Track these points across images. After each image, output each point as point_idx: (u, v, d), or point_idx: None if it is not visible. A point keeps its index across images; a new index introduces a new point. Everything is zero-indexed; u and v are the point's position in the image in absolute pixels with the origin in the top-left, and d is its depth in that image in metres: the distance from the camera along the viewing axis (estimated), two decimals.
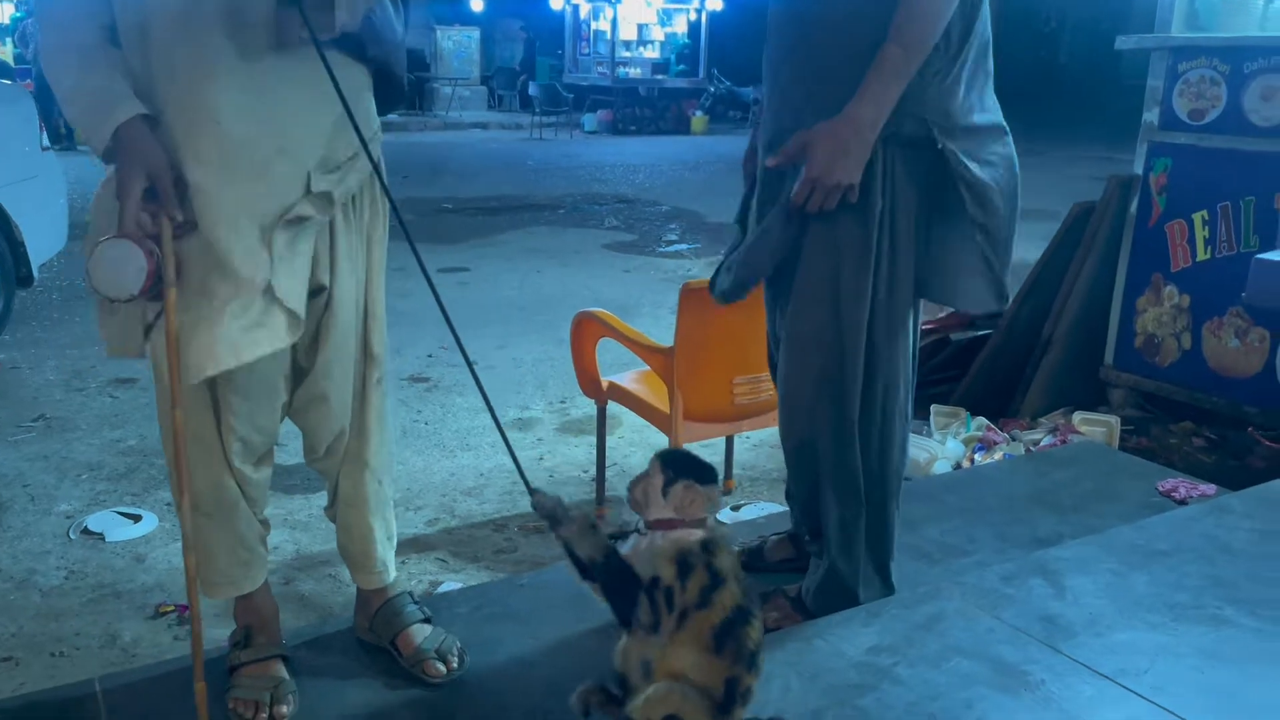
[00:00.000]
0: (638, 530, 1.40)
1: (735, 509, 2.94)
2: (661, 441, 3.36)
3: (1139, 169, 3.34)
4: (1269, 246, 3.04)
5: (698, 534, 1.37)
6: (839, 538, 1.86)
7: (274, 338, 1.51)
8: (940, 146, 1.64)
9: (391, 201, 1.63)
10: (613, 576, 1.38)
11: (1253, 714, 1.56)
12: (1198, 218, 3.22)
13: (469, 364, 1.58)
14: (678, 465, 1.38)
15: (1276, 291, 1.91)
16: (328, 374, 1.65)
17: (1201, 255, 3.23)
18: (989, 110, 1.69)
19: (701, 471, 1.38)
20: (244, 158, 1.46)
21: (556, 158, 12.03)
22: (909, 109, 1.63)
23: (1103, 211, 3.42)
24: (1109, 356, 3.48)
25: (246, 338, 1.47)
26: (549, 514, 1.42)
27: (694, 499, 1.36)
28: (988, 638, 1.77)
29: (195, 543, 1.55)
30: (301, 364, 1.66)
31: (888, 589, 1.91)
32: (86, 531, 2.73)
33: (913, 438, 3.15)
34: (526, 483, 1.50)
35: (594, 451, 3.07)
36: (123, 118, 1.41)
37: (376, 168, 1.60)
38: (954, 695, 1.61)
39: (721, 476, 3.08)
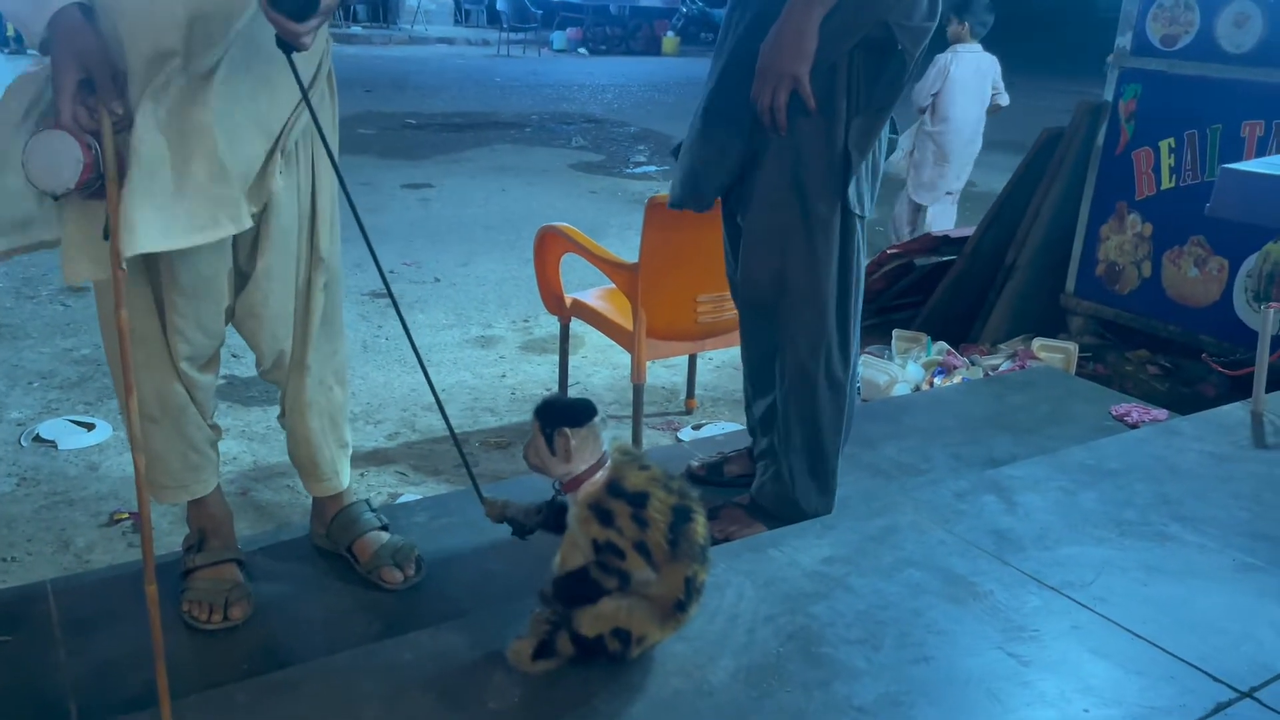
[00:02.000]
0: (556, 492, 1.42)
1: (696, 428, 2.95)
2: (625, 362, 3.37)
3: (1109, 95, 3.32)
4: None
5: (600, 476, 1.38)
6: (785, 440, 1.90)
7: (218, 225, 1.45)
8: (900, 48, 1.67)
9: (322, 136, 1.53)
10: (571, 588, 1.40)
11: (1192, 625, 1.61)
12: (1164, 145, 3.22)
13: (417, 355, 1.54)
14: (550, 417, 1.37)
15: (1240, 202, 1.92)
16: (268, 277, 1.61)
17: (1166, 184, 3.23)
18: (935, 16, 1.73)
19: (574, 413, 1.37)
20: (183, 43, 1.39)
21: (524, 75, 11.77)
22: (877, 15, 1.64)
23: (1070, 138, 3.41)
24: (1070, 284, 3.50)
25: (193, 222, 1.42)
26: (501, 521, 1.48)
27: (579, 443, 1.36)
28: (939, 550, 1.80)
29: (144, 446, 1.52)
30: (243, 268, 1.61)
31: (827, 496, 1.94)
32: (38, 439, 2.69)
33: (874, 360, 3.19)
34: (478, 489, 1.54)
35: (556, 370, 3.05)
36: (57, 5, 1.33)
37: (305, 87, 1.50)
38: (904, 604, 1.64)
39: (684, 396, 3.15)
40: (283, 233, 1.59)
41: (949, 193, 4.48)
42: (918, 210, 4.58)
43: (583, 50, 14.86)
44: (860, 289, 1.87)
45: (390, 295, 1.58)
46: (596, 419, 1.38)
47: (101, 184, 1.36)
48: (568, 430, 1.36)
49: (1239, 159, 3.03)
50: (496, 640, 1.49)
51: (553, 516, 1.45)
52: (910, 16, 1.67)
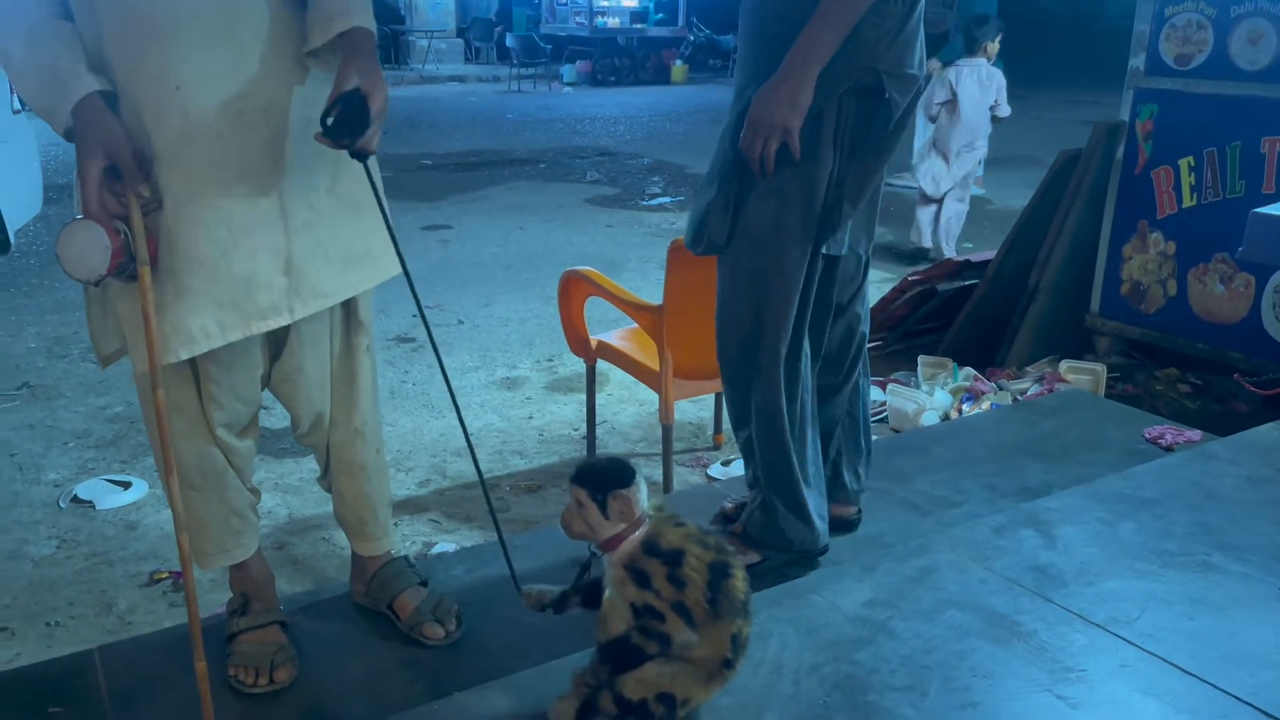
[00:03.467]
0: (594, 554, 1.42)
1: (726, 464, 2.95)
2: (651, 398, 3.38)
3: (1125, 115, 3.32)
4: (1255, 191, 3.03)
5: (636, 536, 1.38)
6: (765, 474, 1.94)
7: (250, 319, 1.48)
8: (887, 96, 1.70)
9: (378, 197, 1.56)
10: (613, 654, 1.40)
11: (1241, 658, 1.59)
12: (1184, 164, 3.21)
13: (442, 367, 1.56)
14: (598, 482, 1.37)
15: (1272, 246, 1.91)
16: (300, 343, 1.62)
17: (1188, 201, 3.22)
18: (924, 66, 1.78)
19: (620, 475, 1.38)
20: (209, 124, 1.40)
21: (535, 110, 11.87)
22: (866, 63, 1.67)
23: (1088, 159, 3.40)
24: (1095, 304, 3.49)
25: (226, 316, 1.45)
26: (542, 609, 1.48)
27: (626, 504, 1.36)
28: (980, 589, 1.79)
29: (186, 517, 1.54)
30: (277, 335, 1.63)
31: (808, 526, 1.96)
32: (76, 500, 2.71)
33: (900, 389, 3.18)
34: (514, 578, 1.55)
35: (583, 409, 3.06)
36: (77, 96, 1.33)
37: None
38: (948, 648, 1.63)
39: (711, 432, 3.15)
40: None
41: (953, 186, 5.11)
42: (929, 209, 5.15)
43: (574, 86, 14.97)
44: (809, 326, 1.89)
45: (431, 339, 1.59)
46: (637, 477, 1.39)
47: (133, 267, 1.37)
48: (624, 492, 1.36)
49: (1260, 176, 3.02)
50: (540, 700, 1.49)
51: (590, 592, 1.45)
52: (900, 66, 1.69)
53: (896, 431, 3.07)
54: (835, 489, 2.12)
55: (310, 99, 1.45)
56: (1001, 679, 1.55)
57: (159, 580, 2.34)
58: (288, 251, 1.48)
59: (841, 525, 2.13)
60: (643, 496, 1.39)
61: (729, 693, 1.48)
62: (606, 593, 1.40)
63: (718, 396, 3.08)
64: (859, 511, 2.18)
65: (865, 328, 2.04)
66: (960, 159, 5.00)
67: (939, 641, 1.65)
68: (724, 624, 1.38)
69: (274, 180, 1.45)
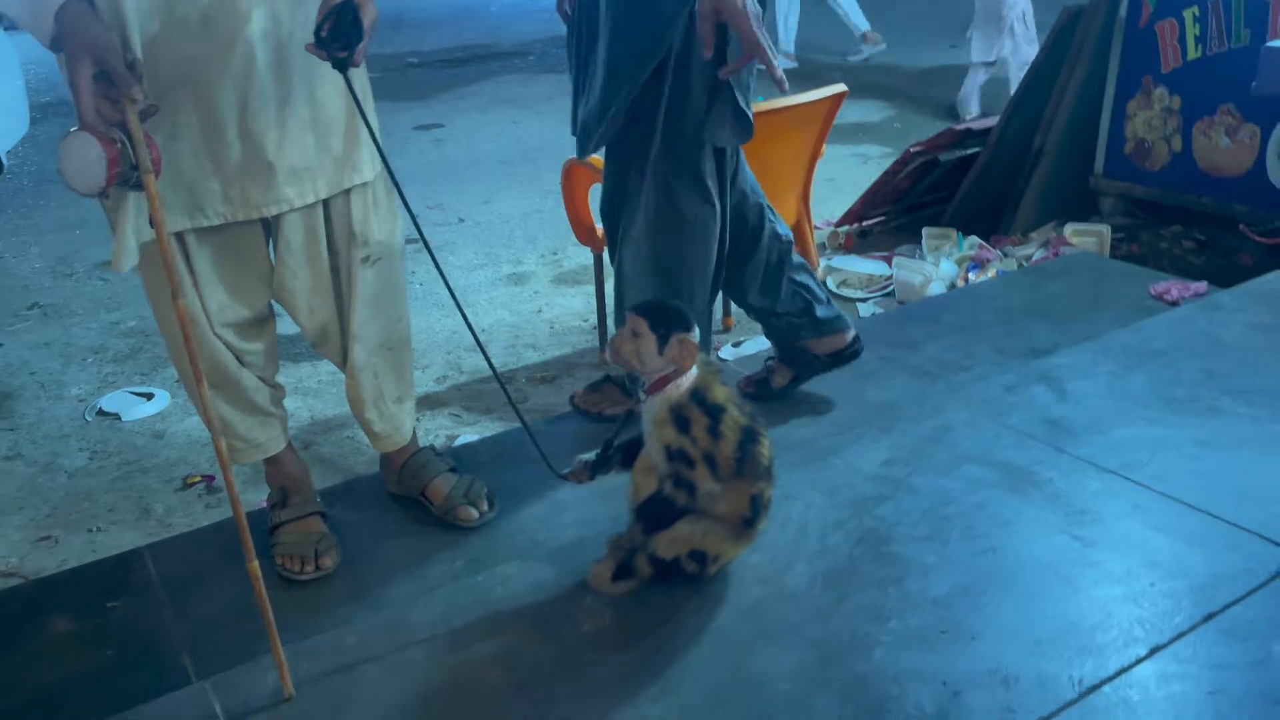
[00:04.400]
0: (637, 401, 1.47)
1: (736, 345, 2.97)
2: None
3: None
4: (1260, 40, 2.98)
5: (685, 383, 1.42)
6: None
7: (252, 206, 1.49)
8: None
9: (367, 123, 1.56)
10: (650, 512, 1.47)
11: (1251, 494, 1.65)
12: (1188, 14, 3.14)
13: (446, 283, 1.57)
14: (661, 318, 1.41)
15: None
16: (290, 252, 1.62)
17: (1192, 54, 3.17)
18: None
19: (683, 318, 1.42)
20: (186, 29, 1.38)
21: (519, 0, 11.52)
22: None
23: (1091, 14, 3.33)
24: (1099, 165, 3.46)
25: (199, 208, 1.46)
26: (592, 474, 1.54)
27: (687, 349, 1.40)
28: (994, 444, 1.85)
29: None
30: (275, 242, 1.63)
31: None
32: (102, 413, 2.76)
33: (906, 261, 3.19)
34: (548, 461, 1.61)
35: (592, 301, 3.08)
36: (60, 1, 1.28)
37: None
38: (966, 499, 1.69)
39: (720, 316, 3.16)
40: (298, 212, 1.61)
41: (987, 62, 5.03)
42: (979, 76, 5.09)
43: None
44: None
45: (424, 242, 1.61)
46: (696, 327, 1.43)
47: (137, 176, 1.34)
48: (688, 336, 1.40)
49: (1265, 25, 2.96)
50: (579, 568, 1.56)
51: (628, 451, 1.51)
52: None
53: (903, 303, 3.10)
54: (822, 324, 2.17)
55: (286, 8, 1.45)
56: (1019, 525, 1.62)
57: (192, 484, 2.40)
58: (260, 153, 1.50)
59: (846, 359, 2.19)
60: (698, 345, 1.43)
61: (758, 549, 1.55)
62: (646, 438, 1.45)
63: None
64: (856, 336, 2.24)
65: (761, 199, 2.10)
66: (1011, 26, 4.90)
67: (957, 494, 1.70)
68: (746, 484, 1.44)
69: (249, 85, 1.46)
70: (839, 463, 1.82)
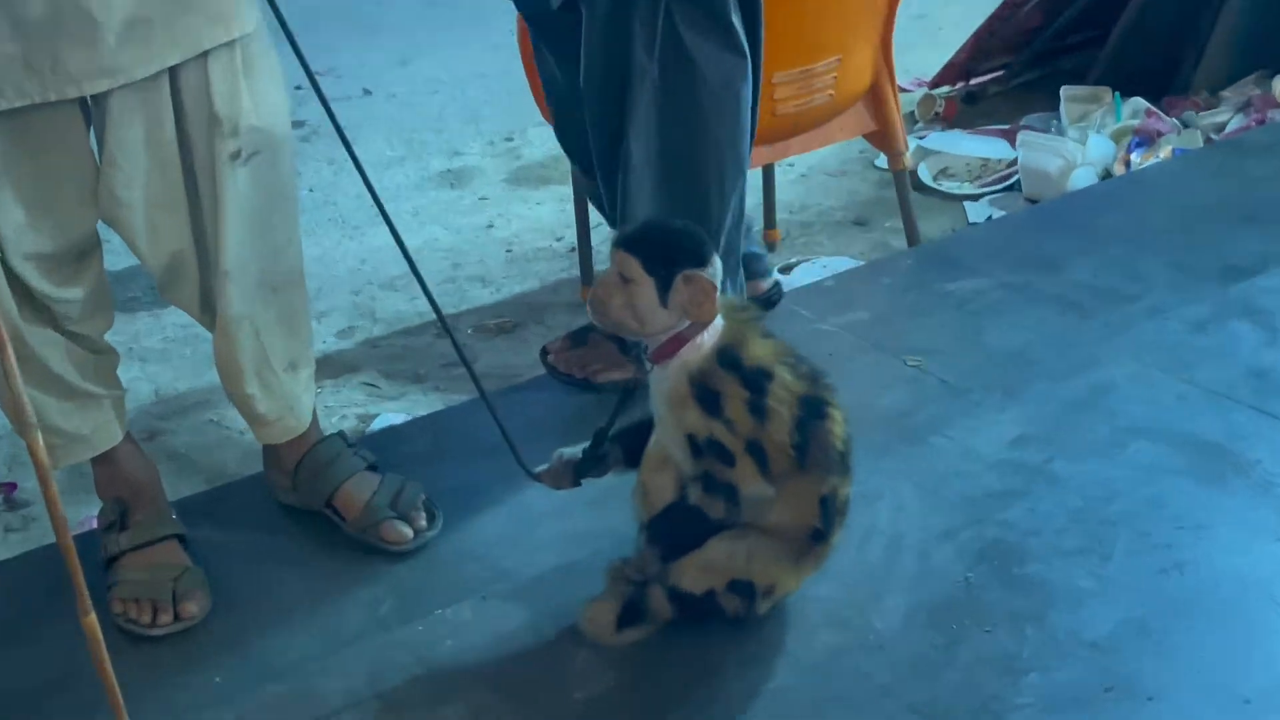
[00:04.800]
0: (642, 366, 1.49)
1: (785, 270, 2.97)
2: None
3: None
4: None
5: (707, 341, 1.43)
6: None
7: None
8: None
9: None
10: (670, 529, 1.50)
11: None
12: None
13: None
14: (661, 252, 1.41)
15: None
16: (120, 147, 1.62)
17: None
18: None
19: (694, 246, 1.42)
20: None
21: None
22: None
23: None
24: None
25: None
26: (575, 480, 1.60)
27: (703, 291, 1.39)
28: (1176, 409, 1.87)
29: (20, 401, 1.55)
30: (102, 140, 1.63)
31: None
32: None
33: (1036, 138, 3.18)
34: (514, 452, 1.65)
35: (568, 207, 3.04)
36: None
37: None
38: (1135, 493, 1.71)
39: (760, 226, 3.15)
40: (134, 89, 1.60)
41: None
42: None
43: None
44: None
45: (331, 119, 1.61)
46: (715, 256, 1.43)
47: None
48: (701, 273, 1.39)
49: None
50: (563, 607, 1.57)
51: (633, 439, 1.53)
52: None
53: (1033, 202, 3.09)
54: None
55: None
56: (1215, 529, 1.63)
57: None
58: (89, 13, 1.49)
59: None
60: (718, 280, 1.43)
61: (829, 577, 1.56)
62: (657, 423, 1.47)
63: (767, 173, 3.07)
64: (776, 284, 2.36)
65: None
66: None
67: (1122, 486, 1.72)
68: (812, 481, 1.46)
69: None
70: (946, 444, 1.84)
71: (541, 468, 1.59)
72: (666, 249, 1.41)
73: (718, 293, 1.41)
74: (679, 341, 1.43)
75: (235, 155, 1.67)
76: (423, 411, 2.46)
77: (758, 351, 1.43)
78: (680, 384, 1.43)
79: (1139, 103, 3.32)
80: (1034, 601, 1.54)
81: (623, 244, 1.43)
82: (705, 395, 1.42)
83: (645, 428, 1.51)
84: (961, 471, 1.78)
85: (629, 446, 1.54)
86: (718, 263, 1.43)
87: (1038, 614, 1.52)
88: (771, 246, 3.11)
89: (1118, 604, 1.53)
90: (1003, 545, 1.64)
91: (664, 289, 1.40)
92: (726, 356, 1.42)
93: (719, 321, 1.44)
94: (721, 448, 1.42)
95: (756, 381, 1.42)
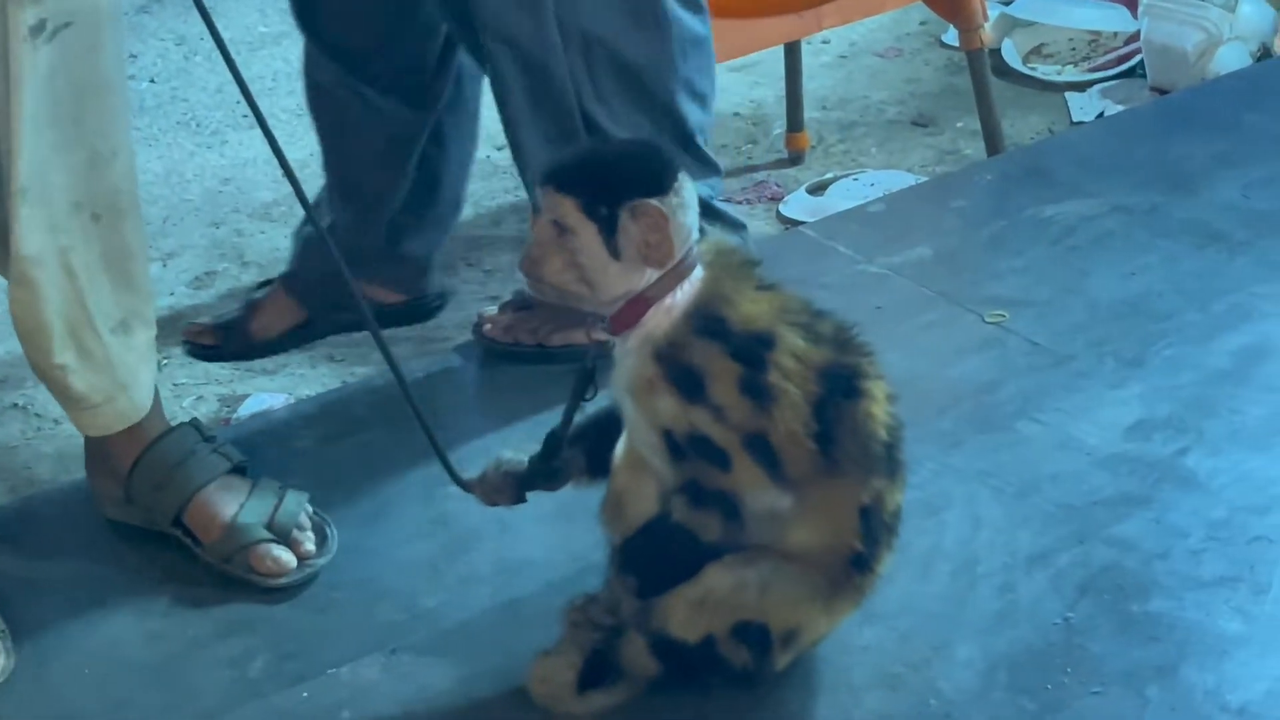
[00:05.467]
0: (595, 355, 1.50)
1: (816, 190, 2.98)
2: None
3: None
4: None
5: (681, 298, 1.43)
6: None
7: None
8: None
9: None
10: (646, 554, 1.50)
11: None
12: None
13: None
14: (601, 182, 1.42)
15: None
16: None
17: None
18: None
19: (649, 169, 1.43)
20: None
21: None
22: None
23: None
24: None
25: None
26: (516, 496, 1.62)
27: (659, 227, 1.39)
28: None
29: None
30: None
31: None
32: None
33: (1172, 4, 3.17)
34: (440, 454, 1.67)
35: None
36: None
37: None
38: None
39: (781, 129, 3.14)
40: None
41: None
42: None
43: None
44: None
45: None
46: (682, 177, 1.42)
47: None
48: (654, 204, 1.39)
49: None
50: (505, 664, 1.57)
51: (600, 436, 1.53)
52: None
53: (1161, 93, 3.09)
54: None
55: None
56: None
57: None
58: None
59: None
60: (690, 214, 1.43)
61: (875, 618, 1.57)
62: (625, 415, 1.48)
63: (792, 54, 3.07)
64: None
65: None
66: None
67: None
68: (847, 485, 1.45)
69: None
70: (1040, 432, 1.85)
71: (475, 475, 1.60)
72: (609, 178, 1.42)
73: (688, 229, 1.42)
74: (642, 305, 1.42)
75: (37, 29, 1.66)
76: (310, 391, 2.47)
77: (750, 309, 1.43)
78: (645, 363, 1.43)
79: None
80: (1160, 652, 1.54)
81: (550, 179, 1.43)
82: (681, 375, 1.41)
83: (617, 419, 1.51)
84: (1061, 471, 1.78)
85: (594, 448, 1.55)
86: (687, 188, 1.43)
87: (1165, 669, 1.52)
88: (797, 157, 3.11)
89: (1277, 654, 1.52)
90: (1117, 573, 1.64)
91: (610, 233, 1.40)
92: (705, 319, 1.42)
93: (699, 273, 1.44)
94: (709, 445, 1.42)
95: (751, 351, 1.41)
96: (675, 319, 1.42)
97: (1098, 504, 1.73)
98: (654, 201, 1.39)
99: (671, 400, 1.42)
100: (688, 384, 1.41)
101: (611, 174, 1.42)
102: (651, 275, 1.42)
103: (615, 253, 1.40)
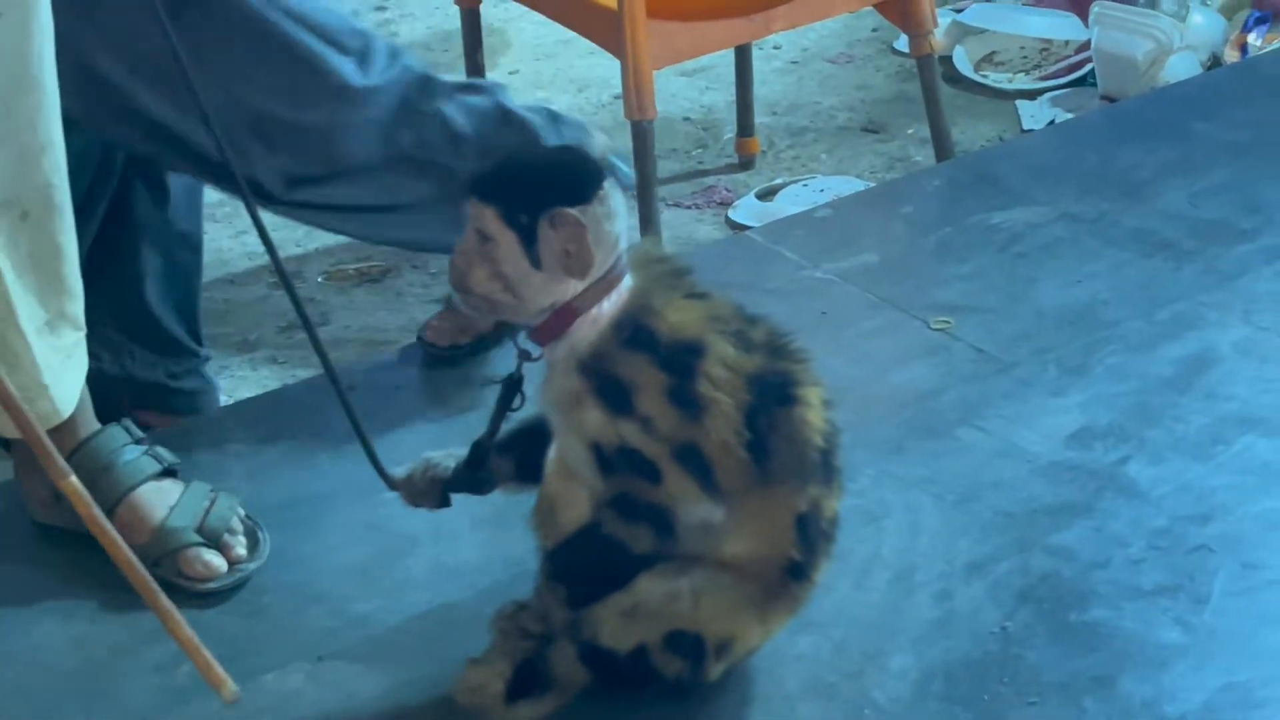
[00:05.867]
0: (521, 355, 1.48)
1: (765, 195, 2.98)
2: (603, 75, 3.35)
3: None
4: None
5: (605, 309, 1.42)
6: None
7: None
8: None
9: None
10: (575, 563, 1.49)
11: None
12: None
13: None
14: (522, 190, 1.41)
15: None
16: None
17: None
18: None
19: (572, 176, 1.42)
20: None
21: None
22: None
23: None
24: None
25: None
26: (439, 499, 1.61)
27: (578, 236, 1.38)
28: None
29: None
30: None
31: None
32: None
33: (1115, 13, 3.19)
34: (371, 455, 1.66)
35: None
36: None
37: None
38: (1241, 508, 1.73)
39: (731, 133, 3.14)
40: None
41: None
42: None
43: None
44: None
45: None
46: (609, 185, 1.41)
47: None
48: (574, 212, 1.38)
49: None
50: (435, 672, 1.56)
51: (529, 443, 1.52)
52: None
53: (1111, 101, 3.10)
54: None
55: None
56: None
57: None
58: None
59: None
60: (617, 223, 1.41)
61: (811, 627, 1.56)
62: (555, 428, 1.46)
63: (742, 57, 3.07)
64: None
65: None
66: None
67: (1226, 499, 1.73)
68: (782, 494, 1.44)
69: None
70: (981, 439, 1.84)
71: (402, 472, 1.59)
72: (529, 186, 1.41)
73: (613, 238, 1.41)
74: (567, 316, 1.41)
75: None
76: (248, 393, 2.46)
77: (678, 318, 1.41)
78: (570, 376, 1.42)
79: None
80: (1098, 662, 1.53)
81: (472, 188, 1.42)
82: (608, 387, 1.40)
83: (547, 426, 1.50)
84: (1001, 478, 1.78)
85: (525, 455, 1.53)
86: (614, 198, 1.42)
87: (1103, 679, 1.52)
88: (747, 162, 3.11)
89: (1216, 664, 1.52)
90: (1055, 582, 1.63)
91: (530, 243, 1.39)
92: (632, 330, 1.41)
93: (628, 282, 1.43)
94: (639, 457, 1.40)
95: (679, 361, 1.40)
96: (602, 330, 1.41)
97: (1038, 512, 1.73)
98: (574, 211, 1.37)
99: (598, 413, 1.41)
100: (615, 396, 1.40)
101: (532, 182, 1.41)
102: (577, 285, 1.41)
103: (536, 262, 1.39)
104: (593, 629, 1.46)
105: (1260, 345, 1.96)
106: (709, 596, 1.45)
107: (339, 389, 1.70)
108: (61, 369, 1.85)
